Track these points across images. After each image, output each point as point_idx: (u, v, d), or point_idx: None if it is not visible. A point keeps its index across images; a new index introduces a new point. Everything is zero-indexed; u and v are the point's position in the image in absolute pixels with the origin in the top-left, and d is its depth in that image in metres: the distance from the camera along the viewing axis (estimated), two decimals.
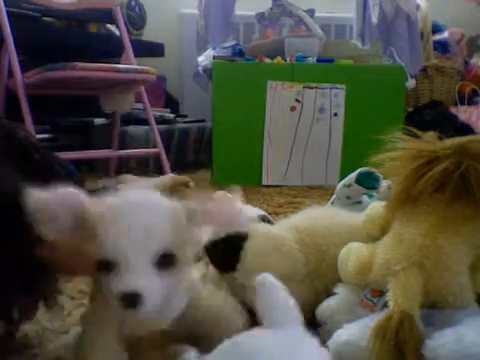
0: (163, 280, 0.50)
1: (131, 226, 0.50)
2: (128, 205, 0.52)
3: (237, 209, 0.56)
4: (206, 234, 0.55)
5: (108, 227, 0.50)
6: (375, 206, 0.69)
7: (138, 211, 0.51)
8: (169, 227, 0.51)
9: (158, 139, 1.92)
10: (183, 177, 1.36)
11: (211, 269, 0.76)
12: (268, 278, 0.51)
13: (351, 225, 0.75)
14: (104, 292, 0.51)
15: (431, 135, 0.62)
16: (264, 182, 2.01)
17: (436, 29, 2.63)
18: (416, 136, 0.63)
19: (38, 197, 0.50)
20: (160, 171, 1.89)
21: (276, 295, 0.50)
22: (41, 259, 0.57)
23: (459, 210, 0.58)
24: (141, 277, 0.48)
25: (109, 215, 0.51)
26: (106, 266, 0.50)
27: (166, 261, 0.51)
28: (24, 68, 1.64)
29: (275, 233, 0.76)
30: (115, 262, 0.49)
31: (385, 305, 0.56)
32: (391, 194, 0.65)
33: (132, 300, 0.48)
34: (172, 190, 1.25)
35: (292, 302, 0.51)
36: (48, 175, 0.63)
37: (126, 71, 1.74)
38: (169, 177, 1.37)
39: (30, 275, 0.59)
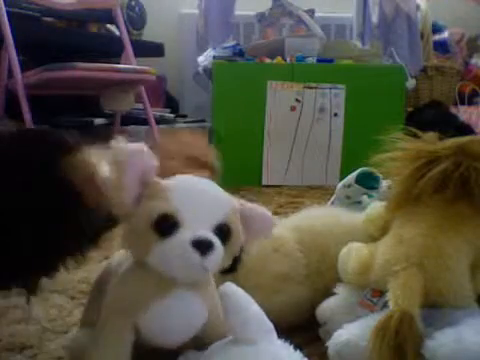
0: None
1: (199, 193, 0.53)
2: (197, 180, 0.55)
3: (272, 221, 0.59)
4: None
5: (177, 188, 0.52)
6: (375, 206, 0.69)
7: (204, 183, 0.55)
8: (228, 206, 0.54)
9: (158, 139, 1.92)
10: None
11: None
12: (232, 288, 0.51)
13: (351, 225, 0.75)
14: (155, 257, 0.50)
15: (431, 135, 0.62)
16: (264, 182, 2.01)
17: (436, 29, 2.63)
18: (416, 136, 0.63)
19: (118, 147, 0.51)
20: None
21: (247, 309, 0.50)
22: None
23: (459, 210, 0.58)
24: (207, 232, 0.50)
25: (178, 181, 0.54)
26: (167, 223, 0.50)
27: (224, 233, 0.52)
28: (24, 68, 1.64)
29: (275, 233, 0.76)
30: (180, 220, 0.50)
31: (385, 305, 0.56)
32: (391, 194, 0.65)
33: (206, 244, 0.49)
34: None
35: (263, 315, 0.51)
36: None
37: (126, 71, 1.74)
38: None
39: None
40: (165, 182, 0.54)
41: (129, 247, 0.54)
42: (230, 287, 0.51)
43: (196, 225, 0.50)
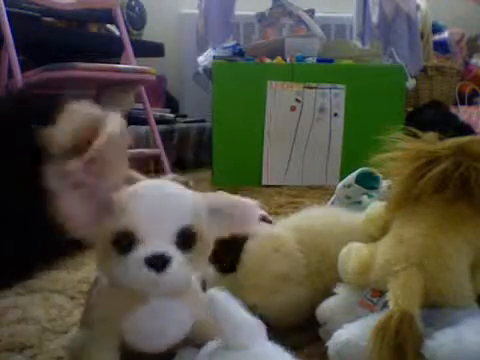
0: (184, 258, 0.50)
1: (156, 201, 0.50)
2: (153, 185, 0.53)
3: (256, 214, 0.57)
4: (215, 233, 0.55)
5: (131, 204, 0.50)
6: (375, 206, 0.69)
7: (163, 190, 0.52)
8: (192, 209, 0.52)
9: (158, 139, 1.92)
10: (183, 178, 1.36)
11: (211, 270, 0.76)
12: (219, 294, 0.50)
13: (351, 225, 0.75)
14: (115, 275, 0.50)
15: (431, 135, 0.62)
16: (264, 182, 2.01)
17: (436, 29, 2.63)
18: (416, 136, 0.63)
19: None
20: (160, 171, 1.89)
21: (236, 315, 0.49)
22: None
23: (459, 210, 0.58)
24: (166, 245, 0.48)
25: (134, 191, 0.51)
26: (125, 240, 0.49)
27: (187, 239, 0.50)
28: (24, 68, 1.64)
29: (275, 233, 0.76)
30: (138, 235, 0.49)
31: (385, 305, 0.56)
32: (391, 194, 0.65)
33: (160, 261, 0.47)
34: None
35: (252, 318, 0.50)
36: None
37: (126, 71, 1.74)
38: (169, 177, 1.37)
39: None
40: (122, 191, 0.52)
41: (96, 261, 0.53)
42: (217, 293, 0.50)
43: (155, 237, 0.49)
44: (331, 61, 2.09)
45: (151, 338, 0.53)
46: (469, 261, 0.56)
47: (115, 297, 0.52)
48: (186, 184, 1.17)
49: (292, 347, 0.51)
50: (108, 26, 2.33)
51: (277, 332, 0.61)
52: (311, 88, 2.02)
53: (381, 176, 1.01)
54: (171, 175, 1.48)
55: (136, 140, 2.19)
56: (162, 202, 0.50)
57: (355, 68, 2.11)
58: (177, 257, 0.49)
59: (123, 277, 0.49)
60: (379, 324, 0.51)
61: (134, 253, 0.48)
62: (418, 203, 0.60)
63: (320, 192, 1.84)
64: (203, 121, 2.62)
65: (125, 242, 0.49)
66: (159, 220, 0.49)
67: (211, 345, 0.51)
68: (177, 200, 0.52)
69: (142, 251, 0.48)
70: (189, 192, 0.54)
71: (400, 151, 0.61)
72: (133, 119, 2.20)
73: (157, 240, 0.49)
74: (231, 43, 2.24)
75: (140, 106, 2.02)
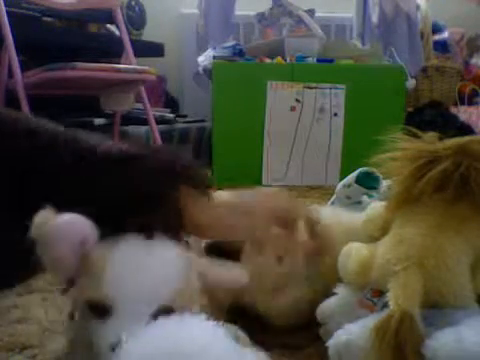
0: None
1: (134, 275, 0.47)
2: (135, 251, 0.50)
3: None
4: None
5: (109, 269, 0.47)
6: (375, 206, 0.69)
7: (145, 260, 0.49)
8: (175, 283, 0.49)
9: (158, 139, 1.92)
10: None
11: None
12: None
13: (351, 225, 0.75)
14: (89, 334, 0.48)
15: (431, 135, 0.62)
16: (264, 182, 2.01)
17: (436, 29, 2.62)
18: (416, 136, 0.63)
19: (43, 221, 0.47)
20: None
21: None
22: None
23: (459, 210, 0.58)
24: (134, 328, 0.44)
25: (113, 257, 0.48)
26: (98, 309, 0.47)
27: (165, 315, 0.47)
28: (24, 68, 1.64)
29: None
30: (111, 306, 0.46)
31: (385, 305, 0.56)
32: (391, 194, 0.65)
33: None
34: None
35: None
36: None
37: (126, 71, 1.74)
38: None
39: None
40: (101, 253, 0.49)
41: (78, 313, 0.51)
42: None
43: (129, 314, 0.46)
44: (331, 61, 2.09)
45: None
46: (469, 261, 0.56)
47: None
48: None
49: (292, 347, 0.51)
50: (108, 26, 2.33)
51: (277, 332, 0.61)
52: (311, 88, 2.02)
53: (381, 176, 1.01)
54: None
55: (136, 140, 2.19)
56: (145, 271, 0.47)
57: (355, 68, 2.11)
58: None
59: (95, 342, 0.47)
60: (379, 324, 0.51)
61: (104, 331, 0.45)
62: (418, 203, 0.60)
63: (320, 192, 1.84)
64: (203, 121, 2.61)
65: (100, 310, 0.47)
66: (136, 298, 0.46)
67: None
68: (162, 270, 0.49)
69: (109, 332, 0.45)
70: (175, 258, 0.51)
71: (400, 151, 0.61)
72: (133, 119, 2.21)
73: (131, 316, 0.46)
74: (231, 43, 2.24)
75: (140, 106, 2.02)
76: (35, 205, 0.47)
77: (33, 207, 0.47)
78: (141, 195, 0.53)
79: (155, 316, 0.46)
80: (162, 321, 0.44)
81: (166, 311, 0.47)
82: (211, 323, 0.44)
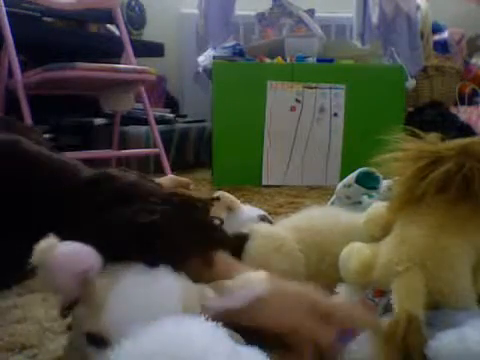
0: None
1: (134, 308, 0.47)
2: (137, 285, 0.49)
3: (252, 296, 0.51)
4: None
5: (109, 301, 0.47)
6: (377, 206, 0.69)
7: (145, 295, 0.48)
8: (173, 313, 0.47)
9: (158, 139, 1.92)
10: (183, 179, 1.35)
11: None
12: None
13: (351, 225, 0.75)
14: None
15: (434, 136, 0.62)
16: (264, 182, 2.01)
17: (436, 29, 2.63)
18: (418, 137, 0.62)
19: (46, 249, 0.46)
20: (160, 171, 1.89)
21: None
22: None
23: (462, 211, 0.58)
24: None
25: (113, 289, 0.48)
26: (96, 340, 0.46)
27: None
28: (24, 68, 1.64)
29: (275, 233, 0.76)
30: (109, 339, 0.45)
31: (386, 307, 0.56)
32: (392, 194, 0.65)
33: None
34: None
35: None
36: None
37: (126, 71, 1.74)
38: (169, 178, 1.36)
39: None
40: (103, 284, 0.48)
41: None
42: None
43: None
44: (331, 61, 2.09)
45: None
46: (471, 262, 0.56)
47: None
48: (187, 186, 1.13)
49: (292, 347, 0.51)
50: (108, 26, 2.33)
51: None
52: (311, 88, 2.02)
53: (381, 176, 1.01)
54: (171, 176, 1.48)
55: (136, 140, 2.19)
56: (142, 310, 0.47)
57: (355, 68, 2.11)
58: None
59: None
60: (388, 329, 0.51)
61: (104, 356, 0.44)
62: (420, 204, 0.60)
63: (320, 192, 1.84)
64: (203, 121, 2.62)
65: (96, 340, 0.47)
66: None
67: None
68: (160, 308, 0.47)
69: None
70: (179, 291, 0.50)
71: (402, 151, 0.61)
72: (133, 119, 2.21)
73: None
74: (231, 43, 2.24)
75: (140, 106, 2.02)
76: (39, 224, 0.47)
77: (37, 224, 0.47)
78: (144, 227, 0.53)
79: None
80: (162, 322, 0.43)
81: None
82: (210, 324, 0.44)
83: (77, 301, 0.49)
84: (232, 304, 0.50)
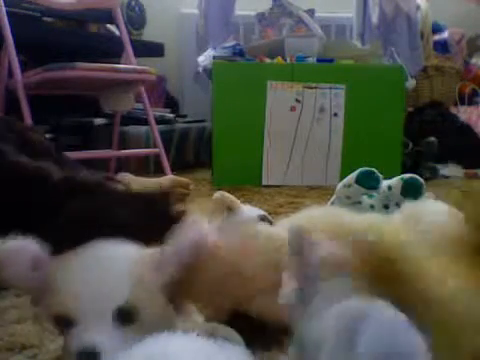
0: (125, 335, 0.48)
1: (87, 281, 0.49)
2: (86, 259, 0.52)
3: (202, 237, 0.56)
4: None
5: (64, 282, 0.50)
6: None
7: (95, 266, 0.51)
8: (129, 281, 0.50)
9: (158, 139, 1.92)
10: (183, 179, 1.35)
11: None
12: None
13: (352, 225, 0.74)
14: (64, 346, 0.51)
15: None
16: (264, 182, 2.01)
17: (436, 29, 2.63)
18: None
19: None
20: (160, 171, 1.89)
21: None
22: None
23: None
24: (98, 333, 0.47)
25: (65, 270, 0.51)
26: (64, 321, 0.50)
27: (127, 316, 0.50)
28: (24, 68, 1.64)
29: (275, 233, 0.76)
30: (72, 317, 0.49)
31: None
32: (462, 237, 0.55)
33: (90, 357, 0.46)
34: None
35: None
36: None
37: (126, 71, 1.74)
38: (169, 178, 1.37)
39: None
40: (54, 268, 0.52)
41: None
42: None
43: (91, 320, 0.48)
44: (331, 61, 2.09)
45: None
46: None
47: None
48: (186, 186, 1.17)
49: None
50: (108, 26, 2.33)
51: (274, 331, 0.61)
52: (311, 88, 2.02)
53: (381, 176, 1.01)
54: (171, 176, 1.49)
55: (136, 140, 2.19)
56: (95, 280, 0.50)
57: (355, 68, 2.11)
58: (110, 343, 0.47)
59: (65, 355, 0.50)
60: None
61: (69, 339, 0.49)
62: None
63: (320, 192, 1.84)
64: (203, 121, 2.62)
65: (63, 322, 0.50)
66: (93, 303, 0.49)
67: None
68: (112, 274, 0.51)
69: (75, 340, 0.48)
70: (129, 256, 0.53)
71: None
72: (133, 119, 2.21)
73: (93, 322, 0.48)
74: (231, 43, 2.24)
75: (140, 106, 2.02)
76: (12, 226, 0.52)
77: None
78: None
79: (116, 316, 0.49)
80: (152, 339, 0.44)
81: (125, 311, 0.49)
82: (201, 340, 0.45)
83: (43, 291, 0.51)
84: (182, 248, 0.53)
